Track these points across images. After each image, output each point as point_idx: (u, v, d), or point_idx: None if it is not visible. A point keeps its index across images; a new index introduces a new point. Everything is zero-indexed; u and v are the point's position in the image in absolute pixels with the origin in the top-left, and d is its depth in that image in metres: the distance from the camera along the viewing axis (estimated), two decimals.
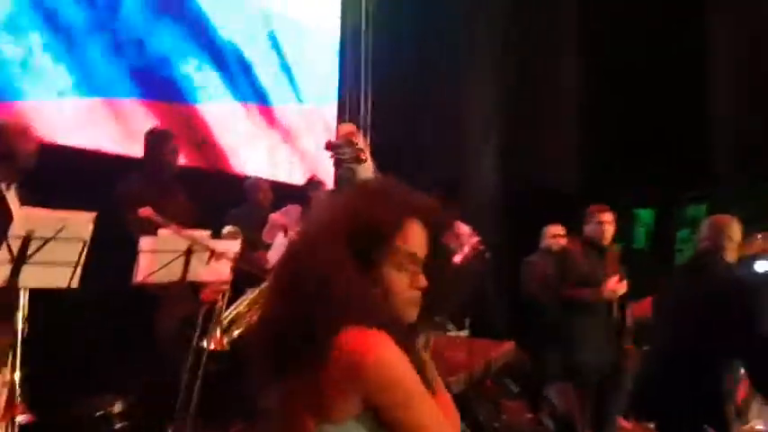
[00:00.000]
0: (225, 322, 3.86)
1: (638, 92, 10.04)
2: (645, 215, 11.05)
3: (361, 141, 1.59)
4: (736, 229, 2.84)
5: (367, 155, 1.58)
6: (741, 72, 9.03)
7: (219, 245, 3.26)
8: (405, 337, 1.26)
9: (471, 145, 8.56)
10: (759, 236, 3.93)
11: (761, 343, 2.63)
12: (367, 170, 1.57)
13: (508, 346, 7.16)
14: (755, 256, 3.96)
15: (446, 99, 8.40)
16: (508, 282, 8.41)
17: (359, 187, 1.38)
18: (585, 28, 9.52)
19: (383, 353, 1.17)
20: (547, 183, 8.97)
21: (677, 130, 9.36)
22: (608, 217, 4.43)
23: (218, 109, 5.22)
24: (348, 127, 1.61)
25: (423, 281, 1.28)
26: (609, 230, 4.43)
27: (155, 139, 3.69)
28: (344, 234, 1.22)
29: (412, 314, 1.29)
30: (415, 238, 1.28)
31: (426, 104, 8.32)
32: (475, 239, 6.27)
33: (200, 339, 3.38)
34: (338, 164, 1.56)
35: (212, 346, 3.42)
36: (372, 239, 1.22)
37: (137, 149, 4.40)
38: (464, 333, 6.79)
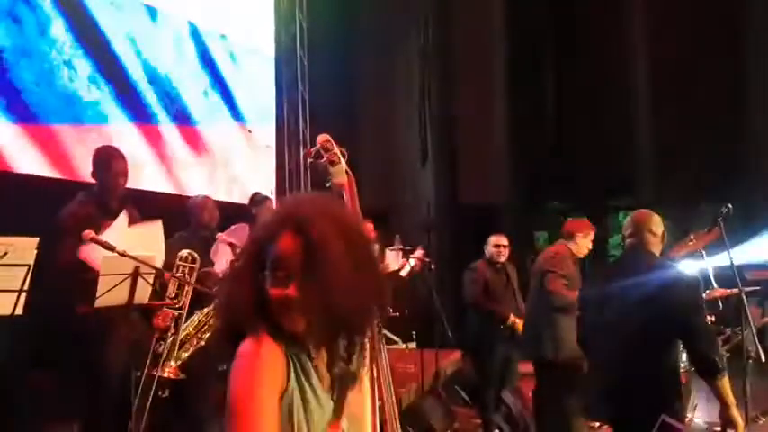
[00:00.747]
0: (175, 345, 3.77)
1: (570, 104, 10.51)
2: None
3: (335, 148, 1.71)
4: (656, 223, 2.92)
5: (340, 159, 1.69)
6: (665, 91, 9.55)
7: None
8: (298, 348, 1.30)
9: (408, 162, 8.70)
10: (692, 236, 4.11)
11: (695, 330, 2.73)
12: (340, 172, 1.67)
13: (455, 355, 7.29)
14: (686, 257, 4.05)
15: (380, 115, 8.54)
16: (452, 293, 8.58)
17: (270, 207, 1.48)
18: (514, 44, 9.87)
19: (239, 362, 1.25)
20: (482, 196, 9.20)
21: (606, 140, 9.84)
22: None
23: (151, 130, 5.12)
24: (324, 136, 1.76)
25: (283, 290, 1.26)
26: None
27: (101, 160, 3.55)
28: (250, 252, 1.34)
29: (289, 321, 1.27)
30: (284, 247, 1.28)
31: (363, 121, 8.43)
32: (420, 252, 6.37)
33: (153, 367, 3.28)
34: (315, 168, 1.68)
35: (166, 374, 3.34)
36: (261, 253, 1.31)
37: (70, 174, 4.26)
38: (412, 345, 6.87)
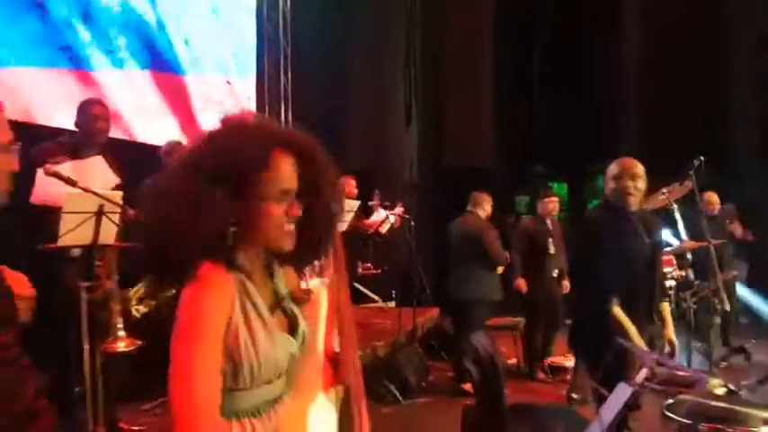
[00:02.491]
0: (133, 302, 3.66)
1: (552, 74, 10.45)
2: (559, 188, 11.61)
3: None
4: (639, 170, 2.95)
5: None
6: (649, 61, 9.49)
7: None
8: (245, 277, 1.28)
9: (393, 121, 8.61)
10: (664, 190, 4.12)
11: None
12: None
13: (433, 312, 7.35)
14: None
15: (366, 73, 8.42)
16: (432, 252, 8.60)
17: (223, 122, 1.32)
18: (503, 12, 9.72)
19: (193, 289, 1.20)
20: (465, 160, 9.16)
21: (586, 108, 9.81)
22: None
23: (127, 77, 5.01)
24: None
25: (297, 210, 1.29)
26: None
27: (82, 105, 3.51)
28: (206, 170, 1.23)
29: (288, 243, 1.31)
30: (284, 170, 1.28)
31: (347, 79, 8.31)
32: (400, 209, 6.37)
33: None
34: None
35: (120, 348, 3.05)
36: (240, 174, 1.23)
37: (42, 119, 4.16)
38: (391, 304, 6.90)
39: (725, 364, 4.50)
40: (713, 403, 2.29)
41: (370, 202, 6.04)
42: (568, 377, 5.47)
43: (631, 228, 2.94)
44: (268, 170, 1.25)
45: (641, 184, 2.94)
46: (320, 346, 1.50)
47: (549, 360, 5.74)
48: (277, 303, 1.34)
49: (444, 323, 7.07)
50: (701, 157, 3.22)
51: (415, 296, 6.48)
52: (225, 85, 6.27)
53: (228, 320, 1.21)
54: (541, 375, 5.66)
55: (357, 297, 7.59)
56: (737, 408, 2.22)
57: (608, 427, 1.77)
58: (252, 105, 6.54)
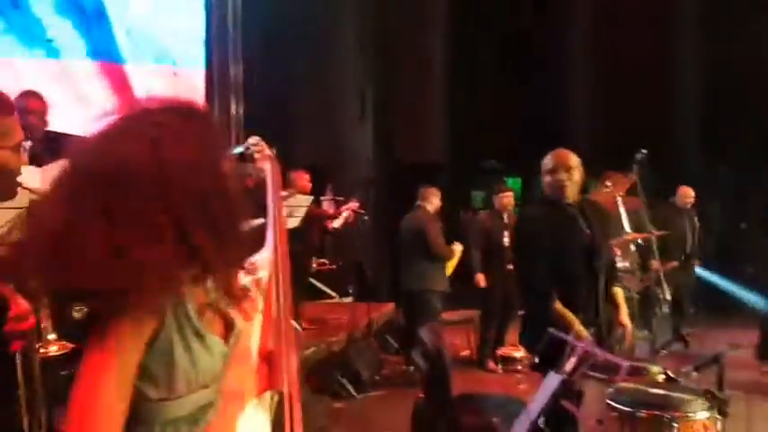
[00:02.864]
0: None
1: (503, 68, 10.56)
2: (513, 183, 11.77)
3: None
4: (573, 161, 2.98)
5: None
6: (598, 59, 9.69)
7: None
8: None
9: (346, 116, 8.56)
10: (608, 182, 4.21)
11: None
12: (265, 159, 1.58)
13: (388, 307, 7.35)
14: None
15: (319, 67, 8.34)
16: (387, 247, 8.61)
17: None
18: (455, 5, 9.76)
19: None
20: (419, 155, 9.18)
21: (537, 104, 9.96)
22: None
23: (63, 66, 4.83)
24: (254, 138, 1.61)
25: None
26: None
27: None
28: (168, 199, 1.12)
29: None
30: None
31: (299, 71, 8.21)
32: (355, 204, 6.33)
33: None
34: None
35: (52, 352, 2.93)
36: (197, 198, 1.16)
37: None
38: (347, 300, 6.87)
39: (665, 352, 4.65)
40: (652, 390, 2.34)
41: (323, 198, 5.98)
42: (519, 367, 5.60)
43: (568, 220, 2.95)
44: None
45: (577, 175, 2.94)
46: (255, 346, 1.41)
47: (501, 351, 5.82)
48: (210, 303, 1.25)
49: (399, 317, 7.09)
50: (644, 150, 3.28)
51: (369, 290, 6.49)
52: (171, 75, 6.11)
53: (155, 332, 1.09)
54: (491, 366, 5.74)
55: (313, 293, 7.55)
56: (675, 394, 2.28)
57: (537, 416, 1.78)
58: (199, 98, 6.40)
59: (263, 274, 1.45)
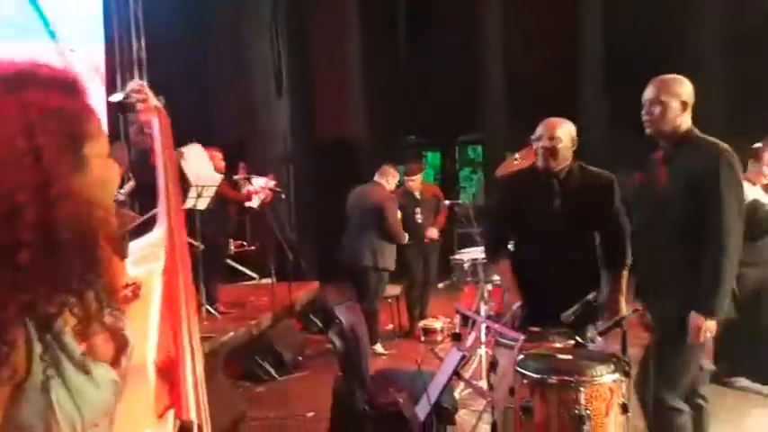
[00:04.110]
0: None
1: (420, 42, 10.55)
2: (433, 158, 11.90)
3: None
4: (559, 130, 2.90)
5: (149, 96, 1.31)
6: (514, 34, 9.82)
7: None
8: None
9: (262, 92, 8.31)
10: (517, 155, 4.27)
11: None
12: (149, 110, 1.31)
13: (312, 286, 7.28)
14: None
15: (231, 43, 8.04)
16: (309, 225, 8.50)
17: None
18: None
19: None
20: (337, 131, 9.08)
21: (456, 81, 10.03)
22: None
23: None
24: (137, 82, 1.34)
25: None
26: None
27: None
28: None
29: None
30: None
31: (209, 47, 7.89)
32: (271, 182, 6.18)
33: None
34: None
35: None
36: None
37: None
38: (267, 281, 6.72)
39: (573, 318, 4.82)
40: (560, 356, 2.39)
41: (236, 176, 5.79)
42: (439, 338, 5.72)
43: (538, 187, 2.91)
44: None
45: (562, 143, 2.87)
46: (151, 359, 1.11)
47: (423, 323, 5.89)
48: (92, 319, 0.98)
49: (325, 295, 7.03)
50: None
51: (290, 270, 6.38)
52: (67, 53, 5.70)
53: (16, 385, 0.88)
54: (417, 337, 5.83)
55: (232, 275, 7.35)
56: (582, 360, 2.33)
57: (439, 392, 1.78)
58: (99, 75, 6.02)
59: (157, 265, 1.17)
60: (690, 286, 2.45)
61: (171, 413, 1.12)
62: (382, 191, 5.44)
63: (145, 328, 1.11)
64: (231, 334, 4.89)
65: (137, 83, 1.35)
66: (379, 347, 5.37)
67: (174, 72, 6.50)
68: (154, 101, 1.32)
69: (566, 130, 2.92)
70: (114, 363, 0.99)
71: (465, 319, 3.77)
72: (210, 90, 7.85)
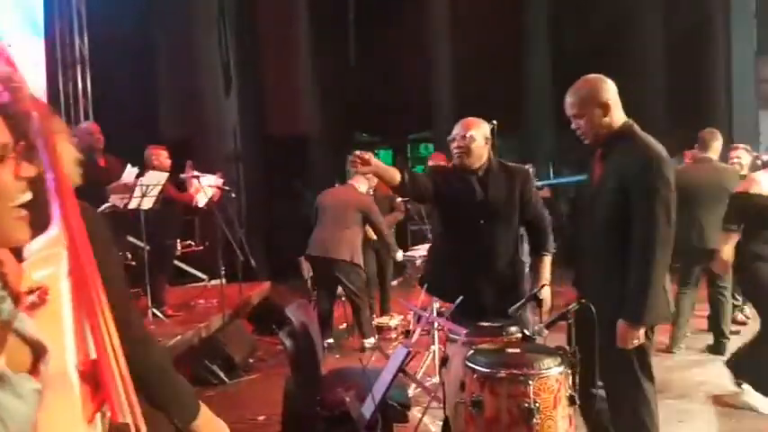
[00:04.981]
0: None
1: (371, 41, 10.55)
2: (384, 156, 11.93)
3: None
4: (473, 129, 3.00)
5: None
6: (463, 33, 9.92)
7: None
8: None
9: (210, 89, 8.14)
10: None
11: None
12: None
13: (263, 286, 7.17)
14: None
15: (176, 38, 7.85)
16: (260, 224, 8.37)
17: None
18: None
19: None
20: (288, 129, 8.98)
21: (408, 79, 10.07)
22: None
23: None
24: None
25: (28, 168, 0.94)
26: None
27: None
28: None
29: (22, 232, 0.96)
30: None
31: (154, 43, 7.68)
32: (219, 180, 6.05)
33: None
34: None
35: None
36: None
37: None
38: (216, 282, 6.58)
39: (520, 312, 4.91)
40: (509, 350, 2.41)
41: (183, 175, 5.64)
42: (392, 335, 5.73)
43: (459, 182, 2.99)
44: None
45: (473, 143, 2.94)
46: (72, 365, 1.04)
47: (376, 321, 5.88)
48: (4, 323, 0.92)
49: (277, 294, 6.93)
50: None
51: (242, 271, 6.27)
52: (5, 47, 5.44)
53: None
54: (372, 336, 5.80)
55: (181, 276, 7.17)
56: (530, 353, 2.36)
57: (385, 390, 1.76)
58: (40, 71, 5.78)
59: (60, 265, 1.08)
60: (619, 289, 2.38)
61: (99, 417, 1.06)
62: (358, 193, 5.46)
63: (59, 333, 1.03)
64: (179, 337, 4.77)
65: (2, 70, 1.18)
66: (369, 341, 5.35)
67: (118, 69, 6.31)
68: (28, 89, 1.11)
69: (480, 130, 3.00)
70: (33, 371, 0.93)
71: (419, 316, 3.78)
72: (156, 87, 7.64)
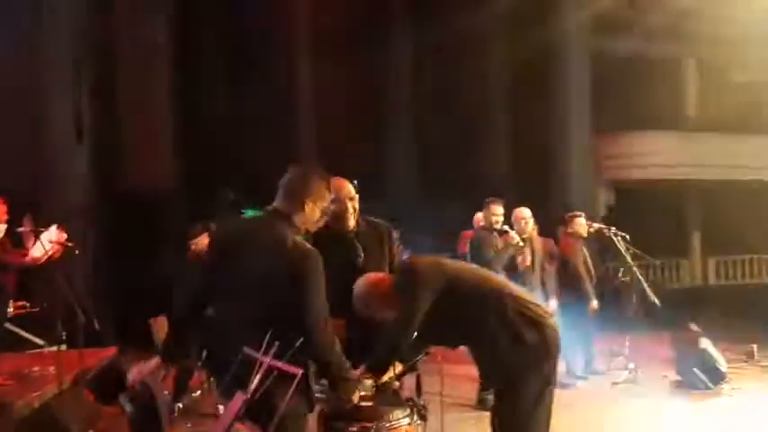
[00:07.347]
0: None
1: (233, 95, 10.48)
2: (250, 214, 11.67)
3: None
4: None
5: None
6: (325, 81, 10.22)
7: None
8: None
9: (58, 136, 7.64)
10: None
11: None
12: None
13: (109, 351, 6.63)
14: None
15: (23, 80, 7.35)
16: (109, 281, 7.81)
17: None
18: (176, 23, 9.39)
19: None
20: (144, 182, 8.59)
21: (273, 130, 10.10)
22: None
23: None
24: None
25: None
26: None
27: None
28: None
29: None
30: None
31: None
32: (62, 235, 5.59)
33: None
34: None
35: None
36: None
37: None
38: (54, 348, 5.97)
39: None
40: (362, 403, 2.40)
41: (20, 229, 5.16)
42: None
43: (342, 246, 2.88)
44: None
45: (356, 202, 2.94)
46: None
47: None
48: None
49: (121, 361, 6.43)
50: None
51: (86, 335, 5.75)
52: None
53: None
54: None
55: (16, 341, 6.47)
56: (382, 405, 2.37)
57: None
58: None
59: None
60: None
61: None
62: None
63: None
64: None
65: None
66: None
67: None
68: None
69: (351, 189, 2.96)
70: None
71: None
72: None
